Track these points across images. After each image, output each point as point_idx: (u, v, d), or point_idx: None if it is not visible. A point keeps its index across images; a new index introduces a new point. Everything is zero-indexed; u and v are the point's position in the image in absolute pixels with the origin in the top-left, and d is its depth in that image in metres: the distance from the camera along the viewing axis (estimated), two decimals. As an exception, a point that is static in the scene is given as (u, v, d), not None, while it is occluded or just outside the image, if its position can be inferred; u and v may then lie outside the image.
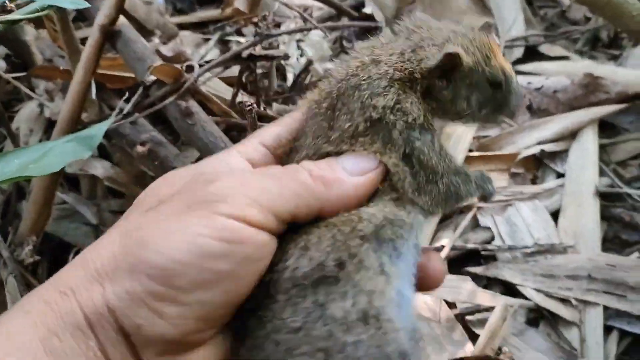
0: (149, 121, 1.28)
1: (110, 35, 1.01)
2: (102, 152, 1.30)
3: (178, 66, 1.00)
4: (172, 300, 0.46)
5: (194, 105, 1.02)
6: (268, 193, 0.50)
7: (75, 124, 1.05)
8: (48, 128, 1.49)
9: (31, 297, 0.49)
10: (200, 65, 1.17)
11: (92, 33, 1.00)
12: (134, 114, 0.98)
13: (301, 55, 1.66)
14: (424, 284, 0.58)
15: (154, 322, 0.46)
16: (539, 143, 1.42)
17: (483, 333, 1.07)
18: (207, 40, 1.87)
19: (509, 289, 1.19)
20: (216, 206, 0.48)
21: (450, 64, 0.58)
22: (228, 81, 1.47)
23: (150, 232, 0.48)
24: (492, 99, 0.62)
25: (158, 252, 0.46)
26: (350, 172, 0.54)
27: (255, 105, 0.74)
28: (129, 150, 1.23)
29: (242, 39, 1.90)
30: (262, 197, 0.50)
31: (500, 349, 1.04)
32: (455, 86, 0.60)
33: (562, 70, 1.59)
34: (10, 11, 1.01)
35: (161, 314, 0.46)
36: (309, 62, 1.44)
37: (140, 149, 1.21)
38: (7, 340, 0.45)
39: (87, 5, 0.66)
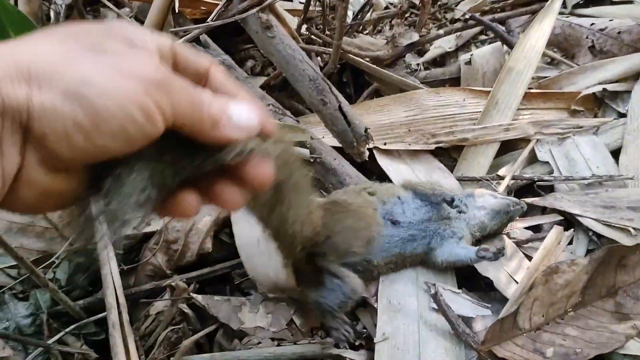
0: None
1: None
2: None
3: (259, -19, 1.03)
4: (85, 135, 0.47)
5: (273, 19, 1.05)
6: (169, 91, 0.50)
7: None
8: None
9: None
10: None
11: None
12: (215, 22, 1.01)
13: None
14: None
15: (60, 140, 0.47)
16: (600, 83, 1.43)
17: (537, 253, 1.10)
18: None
19: (566, 221, 1.22)
20: (140, 75, 0.48)
21: None
22: (292, 13, 1.51)
23: (96, 74, 0.48)
24: None
25: (101, 94, 0.47)
26: (235, 120, 0.55)
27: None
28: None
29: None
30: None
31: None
32: None
33: (625, 14, 1.57)
34: None
35: (69, 138, 0.47)
36: (373, -3, 1.46)
37: (213, 69, 1.25)
38: None
39: None
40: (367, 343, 1.00)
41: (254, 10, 1.00)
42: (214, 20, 1.01)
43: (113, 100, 0.47)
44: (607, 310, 0.94)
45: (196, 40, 1.28)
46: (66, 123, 0.46)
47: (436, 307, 0.97)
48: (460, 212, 1.09)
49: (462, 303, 1.03)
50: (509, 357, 0.88)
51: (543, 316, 0.94)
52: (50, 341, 0.96)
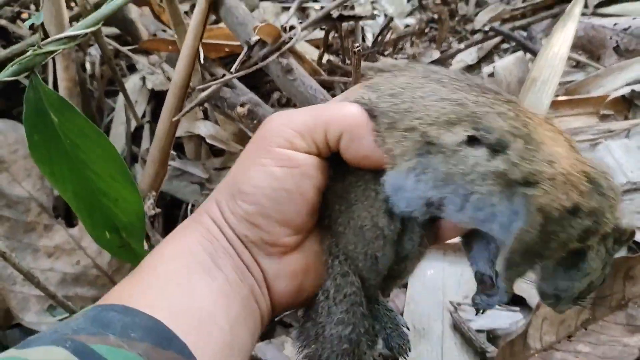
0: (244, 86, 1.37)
1: (213, 4, 1.09)
2: (205, 115, 1.41)
3: (278, 26, 1.07)
4: (260, 214, 0.64)
5: (293, 62, 1.09)
6: (306, 124, 0.64)
7: (187, 88, 1.15)
8: (151, 98, 1.62)
9: (192, 222, 0.68)
10: (291, 28, 1.25)
11: (198, 2, 1.09)
12: (238, 72, 1.06)
13: (378, 14, 1.70)
14: None
15: (253, 231, 0.64)
16: (628, 84, 1.41)
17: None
18: (285, 9, 1.95)
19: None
20: (272, 141, 0.64)
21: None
22: (312, 43, 1.55)
23: (238, 171, 0.66)
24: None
25: (244, 183, 0.64)
26: None
27: (361, 49, 0.80)
28: (230, 111, 1.33)
29: (317, 5, 1.97)
30: (303, 128, 0.64)
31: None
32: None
33: (649, 10, 1.55)
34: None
35: (257, 225, 0.64)
36: (390, 19, 1.48)
37: (240, 109, 1.30)
38: (178, 243, 0.65)
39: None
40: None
41: (274, 56, 1.04)
42: (237, 70, 1.05)
43: (253, 176, 0.66)
44: (619, 323, 0.93)
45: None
46: (244, 216, 0.64)
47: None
48: None
49: (489, 314, 1.04)
50: None
51: (554, 335, 0.94)
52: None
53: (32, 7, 1.38)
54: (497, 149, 0.61)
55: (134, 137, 1.58)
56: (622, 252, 1.13)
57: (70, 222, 1.24)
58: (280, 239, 0.65)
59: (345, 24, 1.48)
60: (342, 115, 0.64)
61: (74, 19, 1.31)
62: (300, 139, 0.64)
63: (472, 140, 0.61)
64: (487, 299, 0.70)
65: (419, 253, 0.69)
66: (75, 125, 0.76)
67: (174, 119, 1.08)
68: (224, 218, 0.65)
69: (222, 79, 1.04)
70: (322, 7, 1.92)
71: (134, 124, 1.59)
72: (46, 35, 0.79)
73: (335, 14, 1.20)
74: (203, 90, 1.06)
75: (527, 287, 1.10)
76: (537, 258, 0.65)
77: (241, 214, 0.64)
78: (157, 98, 1.60)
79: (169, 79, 1.54)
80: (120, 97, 1.63)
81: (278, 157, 0.63)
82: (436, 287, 1.11)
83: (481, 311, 0.72)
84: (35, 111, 0.75)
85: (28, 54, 0.73)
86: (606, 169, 0.66)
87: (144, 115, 1.59)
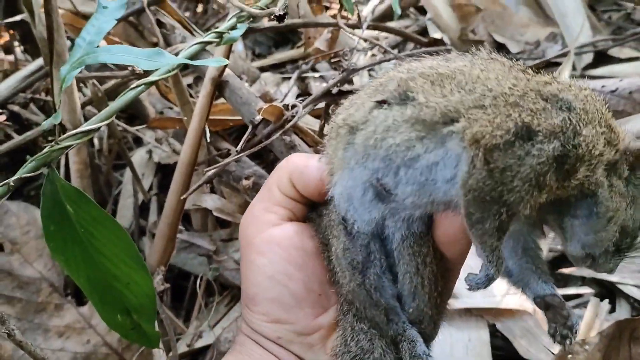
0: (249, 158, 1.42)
1: (218, 86, 1.15)
2: (211, 189, 1.45)
3: (279, 104, 1.12)
4: (276, 307, 0.64)
5: (295, 138, 1.14)
6: (263, 196, 0.68)
7: (194, 165, 1.20)
8: (157, 171, 1.67)
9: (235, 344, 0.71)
10: (293, 106, 1.30)
11: (204, 85, 1.15)
12: (243, 152, 1.10)
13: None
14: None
15: (281, 328, 0.64)
16: (620, 144, 1.45)
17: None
18: (285, 79, 2.02)
19: (606, 288, 1.22)
20: (249, 233, 0.67)
21: None
22: (312, 113, 1.60)
23: (242, 280, 0.68)
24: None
25: (247, 288, 0.65)
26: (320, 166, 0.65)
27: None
28: (235, 184, 1.36)
29: (316, 74, 2.04)
30: (264, 202, 0.67)
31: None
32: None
33: (634, 71, 1.61)
34: (140, 74, 1.18)
35: (279, 321, 0.64)
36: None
37: (245, 182, 1.34)
38: None
39: (228, 62, 0.80)
40: None
41: (278, 134, 1.09)
42: (243, 148, 1.10)
43: (248, 277, 0.71)
44: (628, 385, 0.93)
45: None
46: (263, 319, 0.67)
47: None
48: None
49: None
50: None
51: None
52: None
53: (43, 94, 1.45)
54: (403, 100, 0.58)
55: (142, 210, 1.61)
56: (625, 314, 1.15)
57: (80, 300, 1.26)
58: (310, 322, 0.64)
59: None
60: (283, 165, 0.68)
61: (86, 104, 1.37)
62: (268, 212, 0.66)
63: (382, 104, 0.60)
64: (474, 276, 0.61)
65: (423, 287, 0.65)
66: (90, 215, 0.80)
67: (181, 197, 1.12)
68: (253, 330, 0.66)
69: (227, 160, 1.08)
70: (320, 76, 2.00)
71: (141, 197, 1.63)
72: (60, 124, 0.83)
73: (334, 90, 1.25)
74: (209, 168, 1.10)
75: (535, 351, 1.12)
76: (501, 206, 0.52)
77: (261, 319, 0.65)
78: (163, 170, 1.64)
79: (175, 152, 1.59)
80: (128, 171, 1.68)
81: (259, 246, 0.65)
82: (444, 354, 1.12)
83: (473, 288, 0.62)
84: (52, 203, 0.78)
85: (45, 150, 0.77)
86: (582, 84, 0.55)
87: (150, 188, 1.63)
